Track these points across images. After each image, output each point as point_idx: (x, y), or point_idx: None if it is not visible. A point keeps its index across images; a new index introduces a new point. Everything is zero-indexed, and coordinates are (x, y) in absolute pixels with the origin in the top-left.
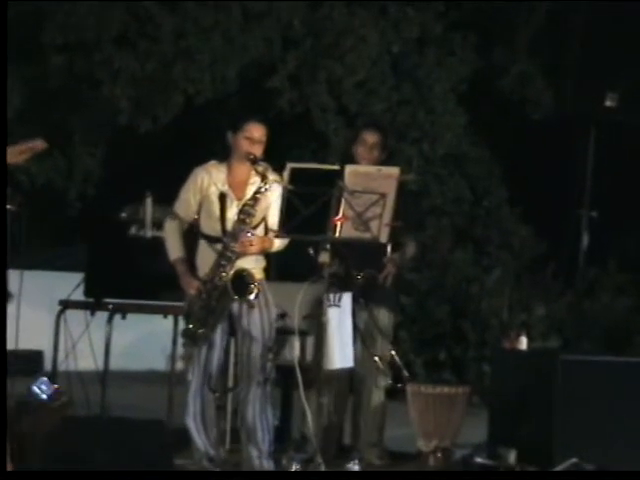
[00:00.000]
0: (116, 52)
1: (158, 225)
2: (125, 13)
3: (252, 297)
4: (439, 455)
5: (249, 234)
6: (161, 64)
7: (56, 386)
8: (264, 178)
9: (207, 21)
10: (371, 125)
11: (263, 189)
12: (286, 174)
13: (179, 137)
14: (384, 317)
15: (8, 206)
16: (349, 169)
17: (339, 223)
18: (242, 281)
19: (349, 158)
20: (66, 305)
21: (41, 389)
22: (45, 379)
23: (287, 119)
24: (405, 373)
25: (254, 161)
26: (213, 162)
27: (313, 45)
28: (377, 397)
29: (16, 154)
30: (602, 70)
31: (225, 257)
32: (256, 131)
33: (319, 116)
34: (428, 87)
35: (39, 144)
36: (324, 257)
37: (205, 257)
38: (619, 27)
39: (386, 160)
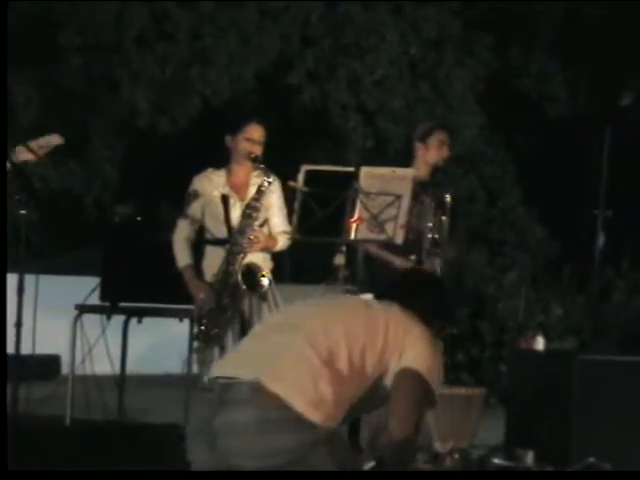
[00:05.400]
0: (135, 53)
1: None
2: (144, 14)
3: (265, 283)
4: (456, 456)
5: (255, 229)
6: (178, 66)
7: None
8: (267, 174)
9: (223, 21)
10: (443, 125)
11: (266, 183)
12: (301, 176)
13: (198, 139)
14: None
15: (22, 211)
16: (364, 171)
17: (354, 225)
18: (251, 275)
19: (409, 155)
20: (82, 309)
21: None
22: None
23: (305, 117)
24: None
25: (255, 160)
26: (210, 169)
27: (331, 43)
28: None
29: (30, 151)
30: (617, 69)
31: (233, 254)
32: (255, 132)
33: (338, 113)
34: (446, 85)
35: (54, 139)
36: (339, 259)
37: (211, 261)
38: (634, 27)
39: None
